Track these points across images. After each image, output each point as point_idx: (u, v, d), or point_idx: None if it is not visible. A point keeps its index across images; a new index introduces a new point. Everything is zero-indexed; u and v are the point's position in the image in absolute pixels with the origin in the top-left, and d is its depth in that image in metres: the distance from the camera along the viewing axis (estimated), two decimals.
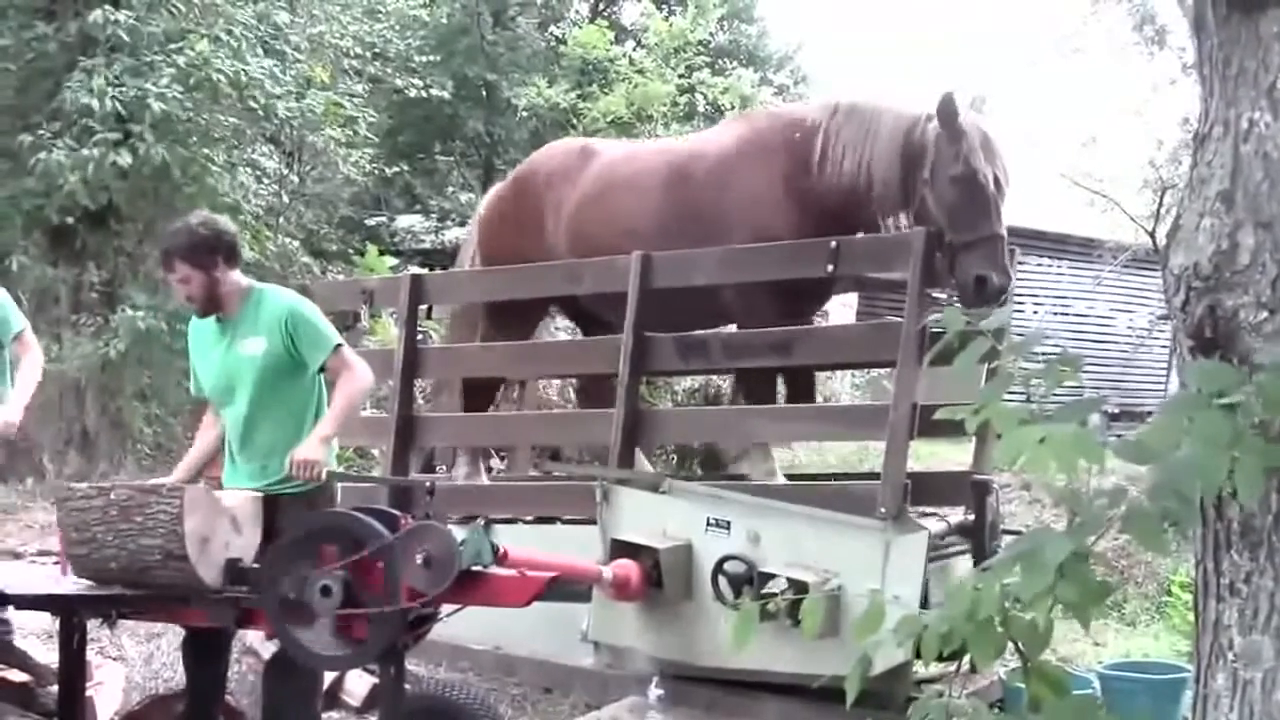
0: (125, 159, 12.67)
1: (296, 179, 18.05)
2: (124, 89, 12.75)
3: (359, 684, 6.64)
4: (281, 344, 5.26)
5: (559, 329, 10.72)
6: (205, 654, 5.52)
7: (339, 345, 5.31)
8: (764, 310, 7.05)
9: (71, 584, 4.98)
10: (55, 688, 5.49)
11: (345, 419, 5.32)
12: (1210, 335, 2.57)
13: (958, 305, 7.07)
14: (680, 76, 18.77)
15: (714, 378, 11.40)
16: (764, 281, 6.91)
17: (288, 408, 5.36)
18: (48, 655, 6.09)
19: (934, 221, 6.50)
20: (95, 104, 12.52)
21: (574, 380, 9.09)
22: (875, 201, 6.81)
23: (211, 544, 4.80)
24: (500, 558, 4.65)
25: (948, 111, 6.49)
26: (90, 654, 5.94)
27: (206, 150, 14.15)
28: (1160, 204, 16.36)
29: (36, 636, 6.85)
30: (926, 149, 6.58)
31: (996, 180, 6.48)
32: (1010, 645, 2.50)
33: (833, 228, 6.76)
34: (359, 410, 5.57)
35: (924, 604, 5.54)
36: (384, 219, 20.45)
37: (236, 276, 5.40)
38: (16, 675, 5.95)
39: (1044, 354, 2.85)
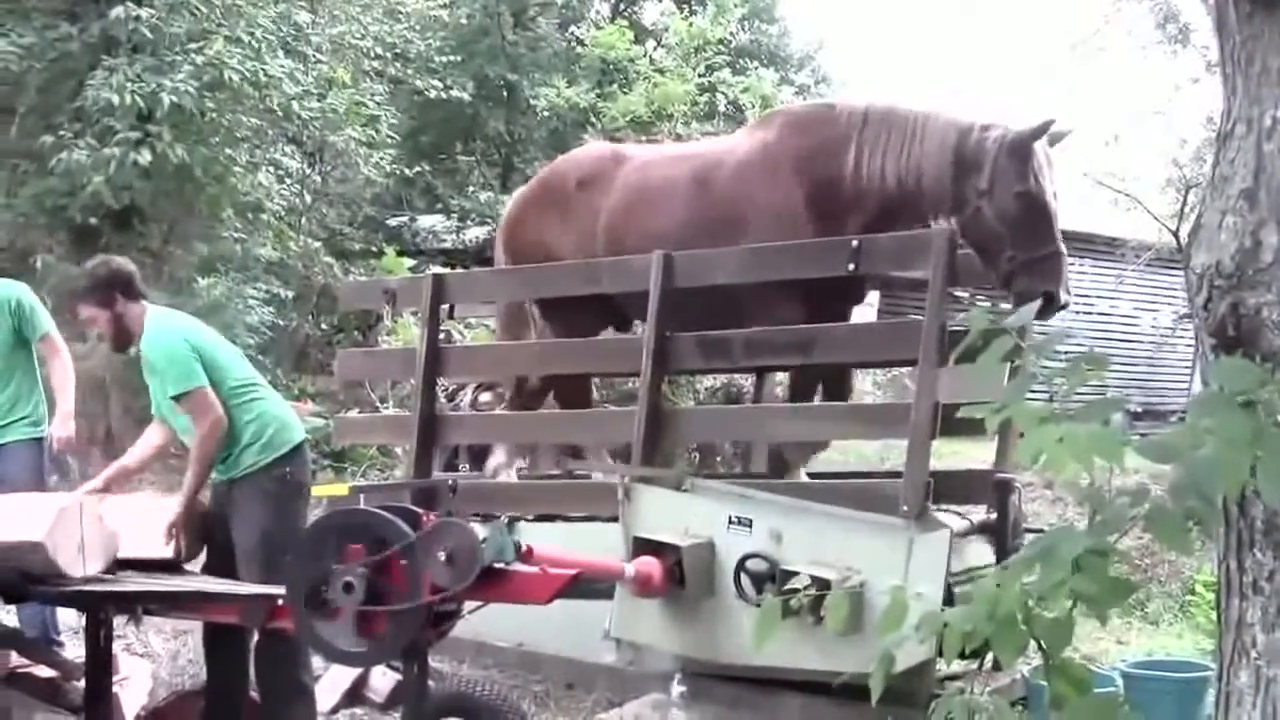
0: (145, 157, 12.74)
1: (319, 179, 18.12)
2: (143, 84, 12.81)
3: (382, 681, 6.66)
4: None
5: None
6: (224, 649, 5.59)
7: (179, 395, 5.62)
8: (786, 310, 7.03)
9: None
10: (82, 683, 5.53)
11: (195, 489, 5.67)
12: (1233, 333, 2.57)
13: (979, 304, 7.07)
14: (700, 76, 18.75)
15: (736, 376, 11.41)
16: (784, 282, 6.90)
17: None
18: (75, 651, 6.13)
19: (990, 233, 6.48)
20: (116, 99, 12.60)
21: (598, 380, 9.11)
22: (924, 204, 6.78)
23: (89, 541, 5.09)
24: (523, 555, 4.67)
25: (1017, 134, 6.50)
26: (117, 650, 5.99)
27: (229, 150, 14.23)
28: (1184, 203, 16.32)
29: (63, 632, 6.90)
30: (984, 159, 6.55)
31: (1055, 195, 6.52)
32: (1033, 643, 2.50)
33: (862, 232, 6.75)
34: (208, 472, 5.73)
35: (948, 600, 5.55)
36: (405, 219, 20.52)
37: (141, 308, 5.82)
38: (44, 670, 5.99)
39: (1067, 353, 2.85)
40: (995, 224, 6.48)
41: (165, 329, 5.77)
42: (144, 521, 5.52)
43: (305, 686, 5.71)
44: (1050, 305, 6.38)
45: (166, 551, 5.56)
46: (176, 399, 5.60)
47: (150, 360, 5.70)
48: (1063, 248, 6.47)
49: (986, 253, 6.52)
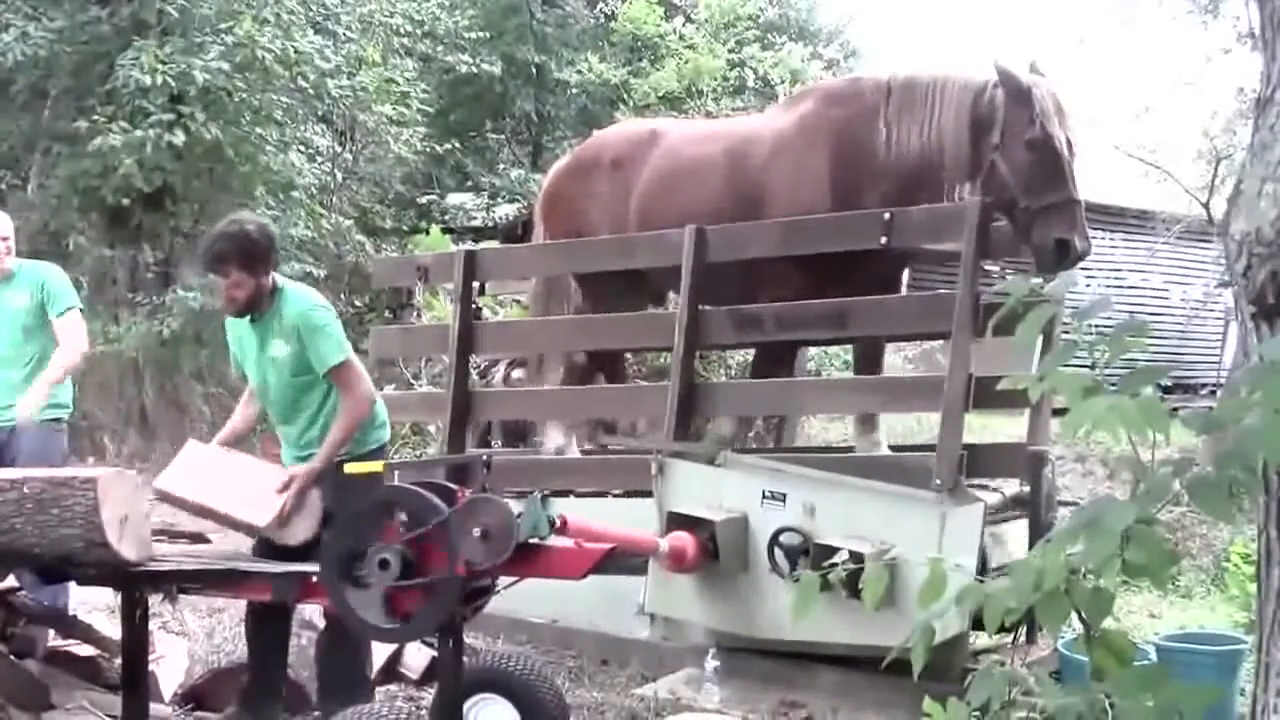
0: (178, 138, 12.81)
1: (349, 158, 18.16)
2: (174, 65, 12.87)
3: (417, 657, 6.68)
4: (300, 348, 5.50)
5: None
6: (267, 627, 5.60)
7: (340, 364, 5.48)
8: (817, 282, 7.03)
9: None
10: (119, 661, 5.57)
11: (333, 454, 5.45)
12: (1273, 301, 2.54)
13: (1009, 277, 7.03)
14: (730, 51, 18.72)
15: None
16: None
17: (309, 408, 5.63)
18: (111, 629, 6.17)
19: (1005, 187, 6.43)
20: (148, 79, 12.65)
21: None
22: (947, 172, 6.76)
23: (131, 520, 4.90)
24: (557, 529, 4.67)
25: (1009, 76, 6.46)
26: (153, 628, 6.02)
27: (260, 130, 14.28)
28: (1215, 174, 16.19)
29: (100, 611, 6.95)
30: (995, 115, 6.53)
31: (1069, 144, 6.43)
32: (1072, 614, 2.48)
33: (893, 204, 6.73)
34: (350, 439, 5.56)
35: (981, 572, 5.54)
36: (435, 196, 20.53)
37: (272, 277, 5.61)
38: (82, 649, 6.03)
39: (1100, 326, 2.83)
40: (1008, 176, 6.45)
41: (318, 298, 5.67)
42: (244, 481, 5.50)
43: (365, 678, 5.68)
44: (1065, 253, 6.32)
45: (264, 517, 5.41)
46: (336, 367, 5.46)
47: (311, 326, 5.45)
48: (1078, 194, 6.41)
49: (1005, 208, 6.48)
